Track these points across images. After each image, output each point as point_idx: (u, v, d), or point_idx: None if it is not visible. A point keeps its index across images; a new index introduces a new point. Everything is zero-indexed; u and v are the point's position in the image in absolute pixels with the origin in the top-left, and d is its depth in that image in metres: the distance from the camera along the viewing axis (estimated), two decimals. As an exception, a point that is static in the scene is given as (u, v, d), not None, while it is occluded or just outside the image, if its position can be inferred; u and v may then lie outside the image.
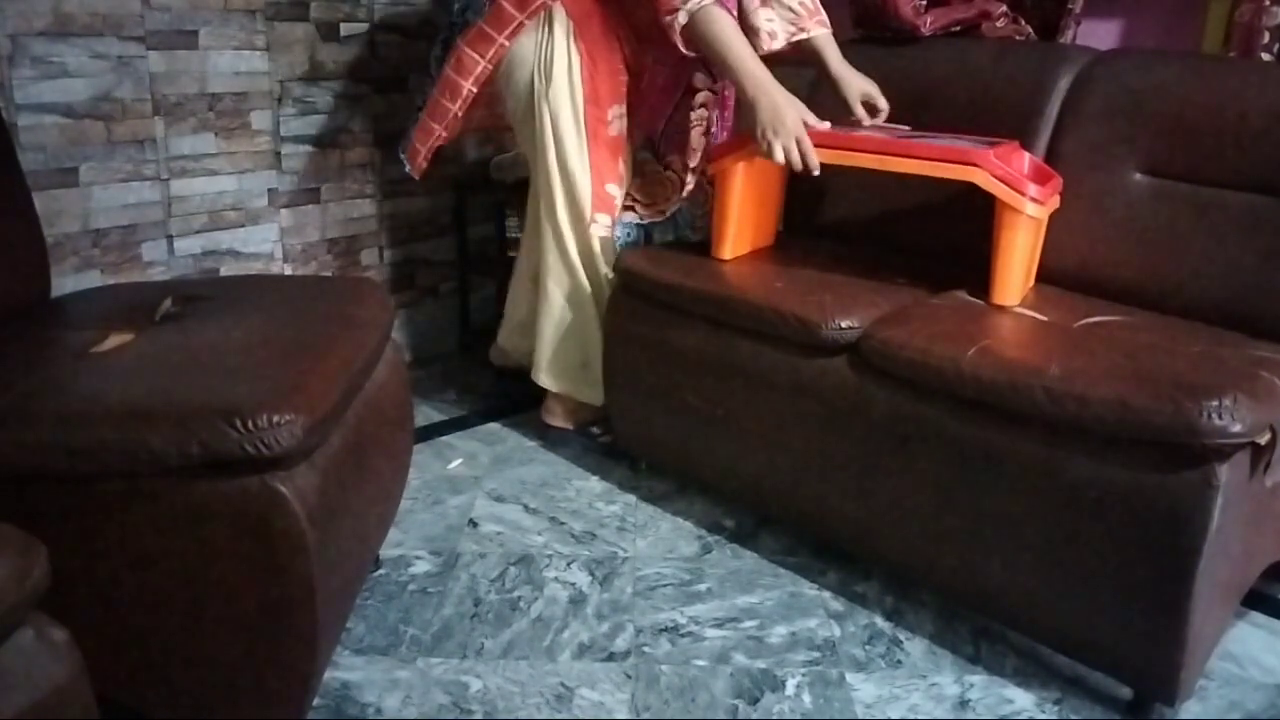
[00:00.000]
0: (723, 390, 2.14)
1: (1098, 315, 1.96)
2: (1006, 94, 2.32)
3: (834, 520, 2.03)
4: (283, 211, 2.79)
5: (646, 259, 2.33)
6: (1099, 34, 2.53)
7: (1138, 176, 2.12)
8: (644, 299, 2.28)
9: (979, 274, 2.05)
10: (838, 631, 1.90)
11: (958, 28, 2.55)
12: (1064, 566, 1.66)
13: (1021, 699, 1.73)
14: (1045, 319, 1.94)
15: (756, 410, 2.09)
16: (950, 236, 2.33)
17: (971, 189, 1.95)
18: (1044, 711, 1.70)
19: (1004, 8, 2.55)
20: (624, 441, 2.48)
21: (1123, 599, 1.61)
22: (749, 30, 2.32)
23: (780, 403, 2.04)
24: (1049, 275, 2.20)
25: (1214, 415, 1.48)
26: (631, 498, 2.37)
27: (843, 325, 1.93)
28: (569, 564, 2.10)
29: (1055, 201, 2.09)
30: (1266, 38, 2.16)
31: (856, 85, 2.36)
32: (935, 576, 1.91)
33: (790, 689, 1.74)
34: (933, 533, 1.83)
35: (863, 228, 2.51)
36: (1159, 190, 2.09)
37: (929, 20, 2.50)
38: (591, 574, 2.07)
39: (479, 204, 3.20)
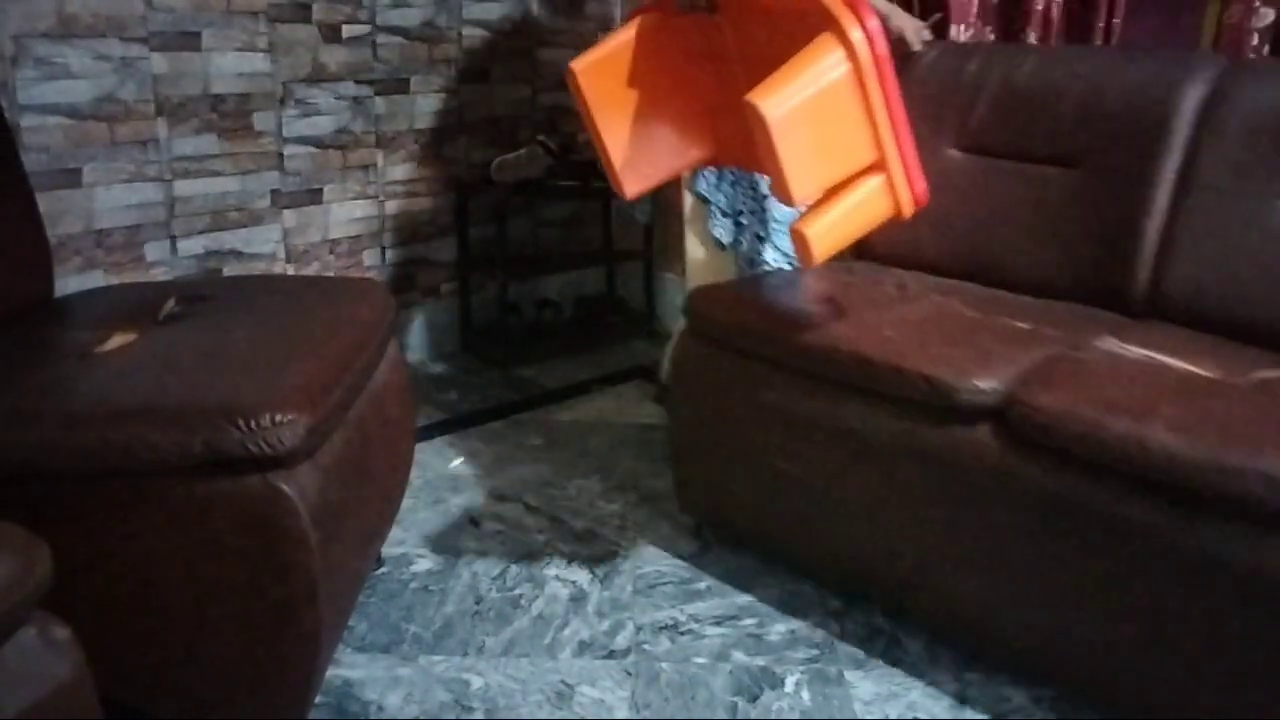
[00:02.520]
0: (823, 457, 1.84)
1: (1265, 369, 1.69)
2: (1124, 108, 2.04)
3: (972, 618, 1.75)
4: (285, 212, 2.80)
5: (723, 299, 2.05)
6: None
7: (1288, 205, 1.87)
8: (722, 346, 1.98)
9: (1110, 311, 1.87)
10: (837, 629, 1.90)
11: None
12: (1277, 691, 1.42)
13: (1019, 696, 1.73)
14: (1208, 374, 1.66)
15: (868, 483, 1.79)
16: (1063, 267, 2.06)
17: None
18: (1042, 709, 1.71)
19: None
20: (690, 508, 2.21)
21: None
22: None
23: (900, 476, 1.74)
24: (1181, 315, 1.94)
25: None
26: (633, 496, 2.38)
27: (981, 387, 1.64)
28: (570, 562, 2.11)
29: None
30: (1256, 39, 2.16)
31: None
32: (1111, 691, 1.62)
33: (789, 686, 1.75)
34: (1104, 640, 1.57)
35: (955, 257, 2.22)
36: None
37: None
38: (592, 572, 2.07)
39: (480, 204, 3.21)
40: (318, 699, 1.66)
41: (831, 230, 1.63)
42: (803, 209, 1.69)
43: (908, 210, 1.68)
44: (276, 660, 1.48)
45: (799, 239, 1.62)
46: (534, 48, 3.27)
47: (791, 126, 1.53)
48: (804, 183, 1.57)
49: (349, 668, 1.77)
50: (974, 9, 2.51)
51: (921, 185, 1.68)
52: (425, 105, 3.04)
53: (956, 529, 1.69)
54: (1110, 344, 1.78)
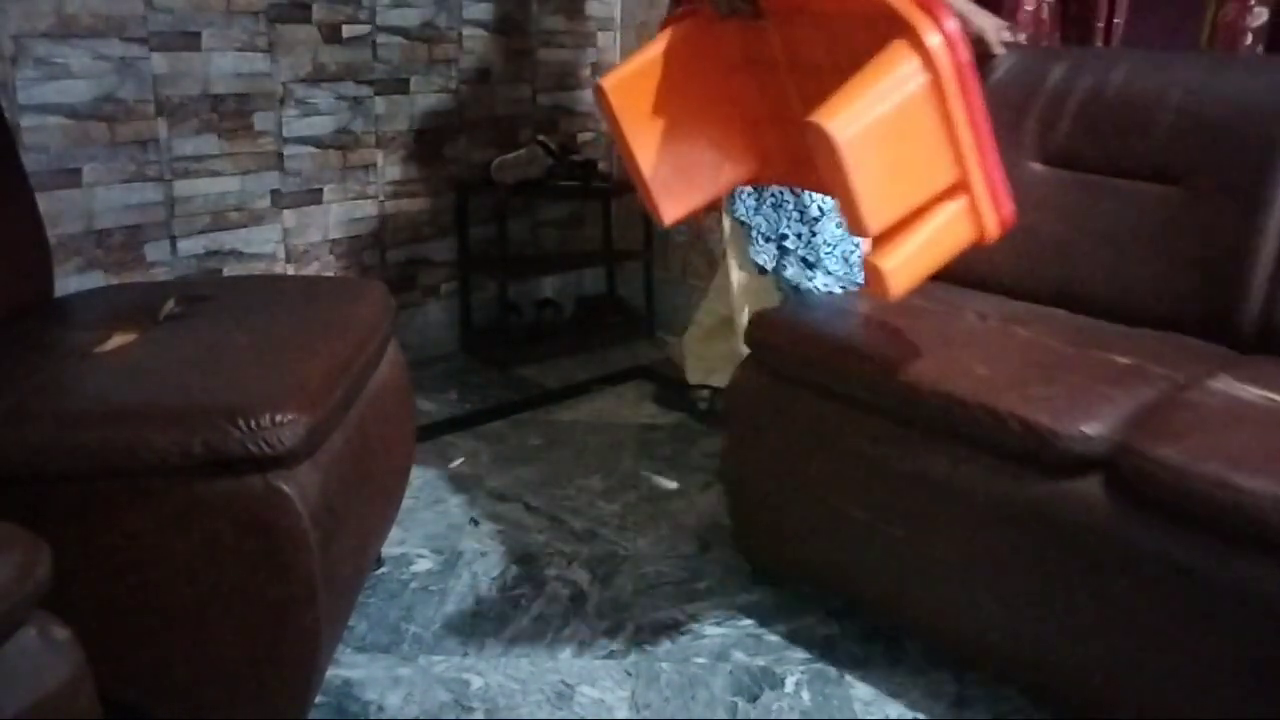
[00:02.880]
0: (904, 506, 1.68)
1: None
2: (1230, 119, 1.85)
3: (1079, 700, 1.59)
4: (285, 212, 2.80)
5: (789, 326, 1.91)
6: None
7: None
8: (788, 379, 1.85)
9: (1216, 345, 1.72)
10: (836, 629, 1.90)
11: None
12: None
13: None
14: None
15: (955, 538, 1.63)
16: (1162, 294, 1.88)
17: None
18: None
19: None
20: (746, 550, 2.08)
21: None
22: None
23: (992, 532, 1.58)
24: None
25: None
26: (633, 496, 2.38)
27: (1089, 434, 1.46)
28: (570, 562, 2.11)
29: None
30: (1250, 38, 2.17)
31: None
32: None
33: (789, 686, 1.75)
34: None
35: (1038, 280, 2.03)
36: None
37: None
38: (592, 572, 2.07)
39: (480, 204, 3.21)
40: (318, 699, 1.66)
41: (910, 263, 1.46)
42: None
43: (993, 234, 1.51)
44: (276, 660, 1.48)
45: (873, 274, 1.45)
46: (534, 48, 3.27)
47: (863, 149, 1.35)
48: (879, 212, 1.40)
49: (349, 668, 1.77)
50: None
51: (1008, 206, 1.50)
52: (425, 105, 3.04)
53: (1057, 594, 1.52)
54: (1226, 383, 1.59)
